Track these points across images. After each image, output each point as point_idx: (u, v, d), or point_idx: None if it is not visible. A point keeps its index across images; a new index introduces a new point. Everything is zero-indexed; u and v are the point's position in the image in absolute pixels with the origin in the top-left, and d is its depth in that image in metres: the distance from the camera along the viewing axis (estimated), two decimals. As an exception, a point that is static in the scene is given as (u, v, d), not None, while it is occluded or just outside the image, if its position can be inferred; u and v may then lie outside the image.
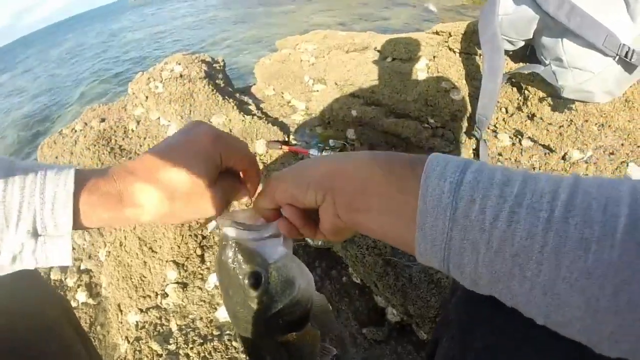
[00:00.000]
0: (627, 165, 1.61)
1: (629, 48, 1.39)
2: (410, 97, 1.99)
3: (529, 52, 1.84)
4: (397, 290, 1.37)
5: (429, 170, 0.48)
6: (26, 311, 0.76)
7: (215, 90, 2.31)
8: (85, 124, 2.46)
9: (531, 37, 1.68)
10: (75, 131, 2.43)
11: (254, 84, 3.03)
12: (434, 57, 2.11)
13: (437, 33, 2.30)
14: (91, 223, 0.60)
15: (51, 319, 0.82)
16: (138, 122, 2.36)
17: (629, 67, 1.47)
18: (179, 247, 1.69)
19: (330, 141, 1.79)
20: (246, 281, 0.63)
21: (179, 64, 2.55)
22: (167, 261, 1.67)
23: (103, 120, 2.45)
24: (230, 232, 0.64)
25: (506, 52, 1.80)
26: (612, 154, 1.62)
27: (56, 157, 2.28)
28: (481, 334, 0.68)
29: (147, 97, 2.38)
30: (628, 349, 0.40)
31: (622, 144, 1.62)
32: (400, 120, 1.96)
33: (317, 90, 2.56)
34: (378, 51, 2.47)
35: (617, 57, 1.42)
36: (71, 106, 8.18)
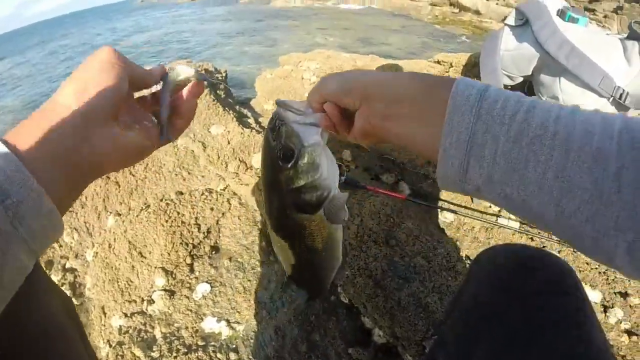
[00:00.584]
0: None
1: (623, 90, 1.43)
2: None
3: (527, 88, 1.88)
4: (386, 312, 1.38)
5: (459, 81, 0.55)
6: (34, 311, 0.76)
7: (215, 100, 2.33)
8: None
9: (530, 73, 1.72)
10: None
11: (254, 97, 3.06)
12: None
13: (438, 62, 2.34)
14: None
15: (59, 320, 0.83)
16: None
17: (622, 108, 1.51)
18: (169, 254, 1.69)
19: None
20: (280, 154, 0.71)
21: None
22: (156, 267, 1.67)
23: None
24: (280, 111, 0.73)
25: (505, 86, 1.84)
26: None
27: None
28: (478, 354, 0.73)
29: (148, 102, 2.40)
30: (633, 240, 0.44)
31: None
32: (397, 146, 1.98)
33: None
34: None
35: (612, 98, 1.47)
36: None
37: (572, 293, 0.77)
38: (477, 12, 22.94)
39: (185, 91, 0.74)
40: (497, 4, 25.15)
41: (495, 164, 0.51)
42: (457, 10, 24.10)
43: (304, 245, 0.82)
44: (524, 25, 1.66)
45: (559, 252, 1.64)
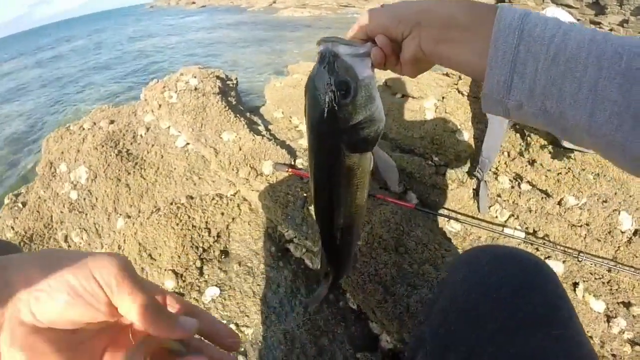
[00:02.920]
0: (619, 214, 1.66)
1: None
2: (417, 134, 2.05)
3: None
4: (395, 317, 1.40)
5: (501, 7, 0.61)
6: None
7: (227, 107, 2.35)
8: (94, 123, 2.50)
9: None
10: (84, 129, 2.46)
11: (263, 105, 3.08)
12: (443, 97, 2.18)
13: (447, 75, 2.37)
14: None
15: None
16: (147, 129, 2.39)
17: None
18: (179, 257, 1.71)
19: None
20: (339, 90, 0.70)
21: (195, 77, 2.60)
22: (165, 270, 1.69)
23: (112, 122, 2.48)
24: (329, 46, 0.71)
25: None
26: (605, 202, 1.68)
27: (62, 152, 2.31)
28: (456, 353, 0.76)
29: (160, 105, 2.42)
30: None
31: (615, 193, 1.68)
32: (406, 155, 2.00)
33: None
34: (388, 86, 2.53)
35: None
36: (78, 104, 8.22)
37: (550, 291, 0.79)
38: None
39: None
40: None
41: (537, 79, 0.57)
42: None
43: (350, 196, 0.82)
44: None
45: (563, 261, 1.65)
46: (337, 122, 0.72)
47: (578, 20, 1.74)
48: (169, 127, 2.38)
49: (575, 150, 1.77)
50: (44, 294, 0.43)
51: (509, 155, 1.88)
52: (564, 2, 24.44)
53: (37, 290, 0.43)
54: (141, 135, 2.37)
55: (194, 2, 46.86)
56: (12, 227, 2.13)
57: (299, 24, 16.86)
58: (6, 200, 2.48)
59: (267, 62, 9.12)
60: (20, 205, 2.33)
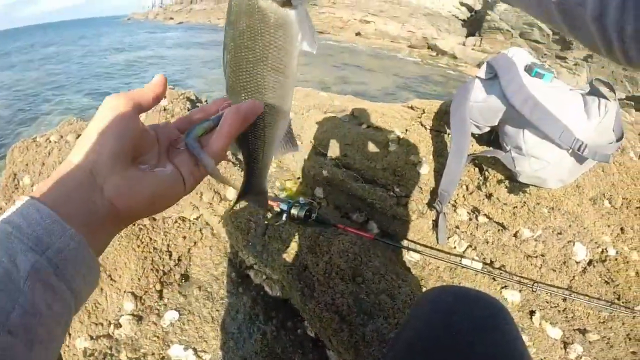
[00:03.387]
0: (574, 245, 1.75)
1: (582, 142, 1.53)
2: (380, 165, 2.10)
3: (493, 137, 1.98)
4: (351, 346, 1.42)
5: None
6: None
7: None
8: (61, 136, 2.47)
9: (497, 124, 1.82)
10: (50, 141, 2.44)
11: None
12: (406, 130, 2.24)
13: (412, 108, 2.44)
14: None
15: None
16: None
17: (580, 158, 1.62)
18: (139, 279, 1.71)
19: (300, 199, 1.86)
20: None
21: (165, 97, 2.62)
22: (125, 292, 1.68)
23: (79, 136, 2.47)
24: None
25: (472, 134, 1.94)
26: (559, 233, 1.76)
27: (26, 165, 2.29)
28: None
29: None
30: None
31: (570, 225, 1.77)
32: (368, 186, 2.05)
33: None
34: (355, 116, 2.59)
35: (571, 150, 1.57)
36: (45, 115, 8.10)
37: (505, 330, 0.81)
38: (454, 57, 23.61)
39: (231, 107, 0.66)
40: (472, 49, 25.98)
41: None
42: (434, 54, 24.77)
43: (260, 46, 0.70)
44: (493, 78, 1.77)
45: (520, 290, 1.71)
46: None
47: (538, 63, 1.79)
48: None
49: (531, 185, 1.84)
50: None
51: (467, 189, 1.95)
52: (532, 38, 25.39)
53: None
54: None
55: (172, 18, 47.00)
56: None
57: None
58: None
59: None
60: None
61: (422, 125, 2.22)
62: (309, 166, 2.28)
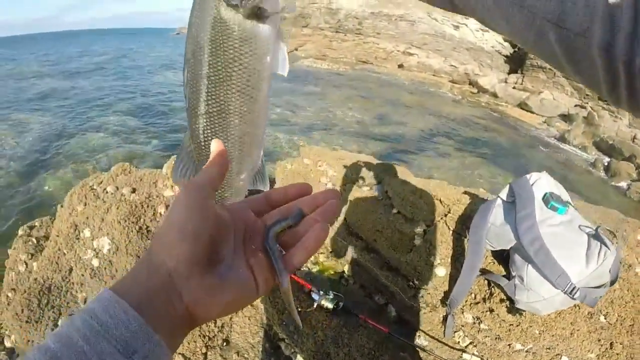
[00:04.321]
0: (561, 357, 2.02)
1: (574, 287, 1.77)
2: (404, 259, 2.38)
3: (505, 255, 2.23)
4: None
5: None
6: None
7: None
8: (117, 188, 2.80)
9: (509, 249, 2.07)
10: (107, 192, 2.76)
11: (273, 187, 3.40)
12: (431, 225, 2.51)
13: (440, 201, 2.70)
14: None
15: None
16: (167, 207, 2.70)
17: (572, 300, 1.86)
18: (188, 343, 2.01)
19: (330, 292, 2.13)
20: None
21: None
22: (175, 354, 1.98)
23: (134, 190, 2.79)
24: None
25: (487, 250, 2.20)
26: (549, 348, 2.02)
27: (87, 217, 2.60)
28: None
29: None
30: None
31: (558, 344, 2.01)
32: (391, 275, 2.33)
33: (328, 212, 2.93)
34: (388, 197, 2.86)
35: (565, 291, 1.81)
36: (94, 133, 8.38)
37: None
38: (495, 95, 23.59)
39: (315, 214, 0.66)
40: (514, 87, 25.82)
41: None
42: (475, 91, 24.78)
43: (223, 63, 0.68)
44: (513, 202, 2.02)
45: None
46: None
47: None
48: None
49: (526, 311, 2.09)
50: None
51: (474, 298, 2.21)
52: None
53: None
54: (160, 213, 2.67)
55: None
56: (26, 263, 2.47)
57: (317, 76, 17.45)
58: (20, 232, 2.77)
59: (279, 121, 9.36)
60: (34, 240, 2.63)
61: (446, 224, 2.49)
62: (340, 245, 2.57)
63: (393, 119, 11.02)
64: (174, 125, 8.93)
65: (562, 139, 14.49)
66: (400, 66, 25.46)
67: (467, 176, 7.45)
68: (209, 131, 0.74)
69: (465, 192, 2.84)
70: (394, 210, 2.74)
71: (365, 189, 3.04)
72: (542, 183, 2.05)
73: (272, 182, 3.58)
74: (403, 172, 3.39)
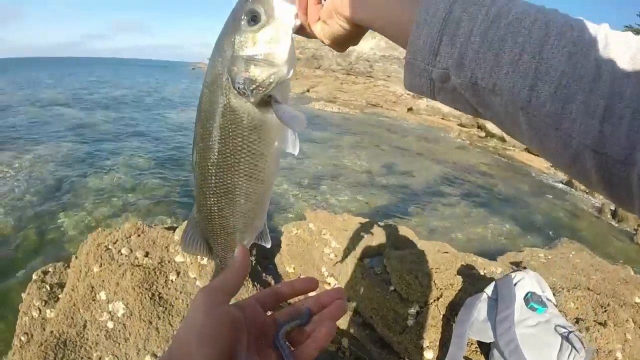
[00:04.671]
0: None
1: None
2: (397, 338, 2.55)
3: (487, 347, 2.39)
4: None
5: None
6: None
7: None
8: (131, 250, 2.99)
9: (489, 343, 2.23)
10: (121, 254, 2.95)
11: (279, 253, 3.59)
12: (423, 306, 2.69)
13: (434, 283, 2.88)
14: None
15: None
16: (178, 274, 2.88)
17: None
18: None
19: None
20: (248, 13, 0.68)
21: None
22: None
23: (147, 254, 2.97)
24: None
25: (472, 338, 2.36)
26: None
27: (103, 281, 2.78)
28: None
29: (190, 261, 2.92)
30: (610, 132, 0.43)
31: None
32: (385, 352, 2.50)
33: (330, 284, 3.12)
34: (387, 272, 3.04)
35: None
36: (105, 174, 8.46)
37: None
38: (502, 139, 23.65)
39: (323, 314, 0.69)
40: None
41: (470, 42, 0.50)
42: (483, 134, 24.87)
43: (231, 150, 0.71)
44: (496, 300, 2.19)
45: None
46: (235, 46, 0.68)
47: (537, 295, 2.13)
48: (195, 278, 2.87)
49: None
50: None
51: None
52: None
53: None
54: (172, 280, 2.85)
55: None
56: (39, 309, 2.66)
57: (328, 121, 17.76)
58: (34, 276, 2.94)
59: (287, 170, 9.41)
60: (48, 287, 2.82)
61: (437, 308, 2.67)
62: (341, 318, 2.73)
63: (400, 168, 11.17)
64: (187, 168, 9.10)
65: (569, 183, 14.46)
66: (410, 109, 25.76)
67: (472, 230, 7.55)
68: (215, 208, 0.77)
69: (462, 267, 3.01)
70: (391, 288, 2.91)
71: (366, 262, 3.22)
72: (524, 283, 2.22)
73: (278, 245, 3.77)
74: (405, 238, 3.57)
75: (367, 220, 4.06)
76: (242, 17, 0.67)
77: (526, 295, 2.17)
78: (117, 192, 7.31)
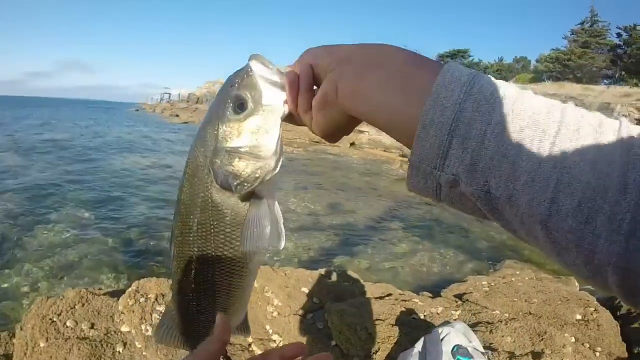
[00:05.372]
0: None
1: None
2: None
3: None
4: None
5: (450, 62, 0.51)
6: None
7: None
8: (76, 322, 2.95)
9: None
10: (67, 327, 2.91)
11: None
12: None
13: (372, 336, 2.99)
14: None
15: None
16: (124, 345, 2.86)
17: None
18: None
19: None
20: (234, 101, 0.64)
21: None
22: None
23: (92, 326, 2.94)
24: (252, 64, 0.64)
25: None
26: None
27: (50, 357, 2.72)
28: None
29: (136, 333, 2.93)
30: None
31: None
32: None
33: (275, 341, 3.17)
34: (328, 326, 3.12)
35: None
36: (44, 219, 8.11)
37: None
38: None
39: None
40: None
41: (483, 147, 0.45)
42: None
43: (213, 246, 0.68)
44: (425, 355, 2.32)
45: None
46: (219, 136, 0.64)
47: (464, 348, 2.22)
48: (142, 348, 2.87)
49: None
50: None
51: None
52: None
53: None
54: (119, 352, 2.83)
55: (177, 115, 48.48)
56: None
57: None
58: None
59: None
60: None
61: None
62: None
63: (345, 207, 11.25)
64: (130, 222, 8.89)
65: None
66: (352, 144, 26.04)
67: (418, 262, 7.70)
68: (194, 304, 0.74)
69: (401, 314, 3.13)
70: (333, 343, 3.00)
71: (309, 317, 3.29)
72: (450, 337, 2.35)
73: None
74: (347, 287, 3.67)
75: (310, 271, 4.14)
76: (228, 103, 0.64)
77: (453, 348, 2.29)
78: (58, 249, 7.00)
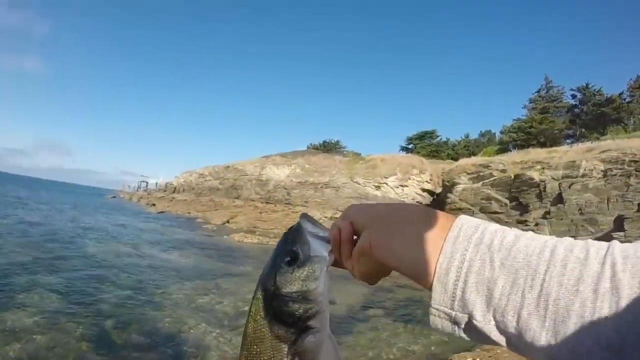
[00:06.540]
0: None
1: None
2: None
3: None
4: None
5: (461, 216, 0.64)
6: None
7: None
8: None
9: None
10: None
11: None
12: None
13: None
14: None
15: None
16: None
17: None
18: None
19: None
20: (287, 256, 0.76)
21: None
22: None
23: None
24: (302, 222, 0.79)
25: None
26: None
27: None
28: None
29: None
30: None
31: None
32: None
33: None
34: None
35: None
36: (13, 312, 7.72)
37: None
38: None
39: None
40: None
41: (493, 278, 0.55)
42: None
43: None
44: None
45: None
46: (275, 284, 0.75)
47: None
48: None
49: None
50: None
51: None
52: (491, 210, 25.59)
53: None
54: None
55: (154, 204, 47.76)
56: None
57: (247, 254, 17.65)
58: None
59: (207, 309, 9.09)
60: None
61: None
62: None
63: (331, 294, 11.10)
64: (102, 309, 8.54)
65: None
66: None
67: (402, 347, 7.53)
68: None
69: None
70: None
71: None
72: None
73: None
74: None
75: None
76: (284, 256, 0.76)
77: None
78: (26, 335, 6.68)
